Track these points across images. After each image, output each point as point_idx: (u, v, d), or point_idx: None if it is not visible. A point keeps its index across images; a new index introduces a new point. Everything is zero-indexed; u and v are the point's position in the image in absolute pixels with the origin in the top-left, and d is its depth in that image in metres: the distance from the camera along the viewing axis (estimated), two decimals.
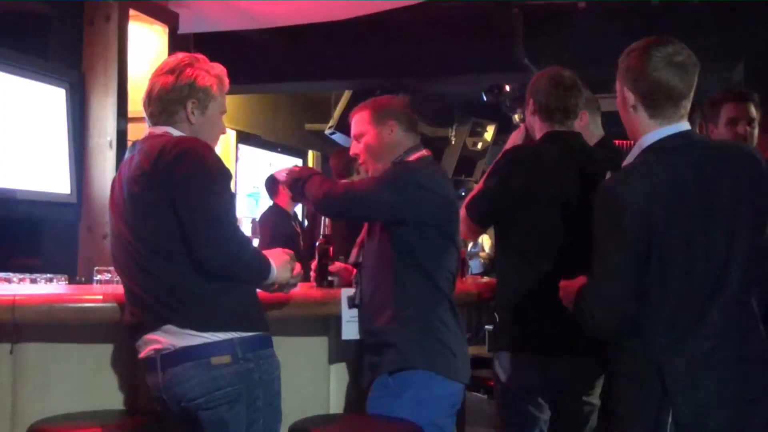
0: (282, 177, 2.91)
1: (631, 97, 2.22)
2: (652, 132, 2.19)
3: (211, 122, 2.45)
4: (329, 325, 2.98)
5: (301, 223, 6.54)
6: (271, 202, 6.29)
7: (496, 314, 2.99)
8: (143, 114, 2.46)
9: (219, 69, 2.48)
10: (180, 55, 2.47)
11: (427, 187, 2.71)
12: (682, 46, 2.19)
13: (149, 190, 2.28)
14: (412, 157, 2.82)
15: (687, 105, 2.21)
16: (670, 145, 2.18)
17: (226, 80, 2.49)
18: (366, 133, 2.86)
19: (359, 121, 2.89)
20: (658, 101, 2.18)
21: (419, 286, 2.70)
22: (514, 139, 3.24)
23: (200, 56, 2.47)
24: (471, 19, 6.36)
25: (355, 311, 2.84)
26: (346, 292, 2.86)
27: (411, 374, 2.67)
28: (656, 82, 2.17)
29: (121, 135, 4.89)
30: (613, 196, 2.15)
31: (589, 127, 3.27)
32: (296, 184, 2.83)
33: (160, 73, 2.43)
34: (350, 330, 2.85)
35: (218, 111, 2.47)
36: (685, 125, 2.20)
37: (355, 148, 2.91)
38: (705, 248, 2.13)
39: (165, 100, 2.40)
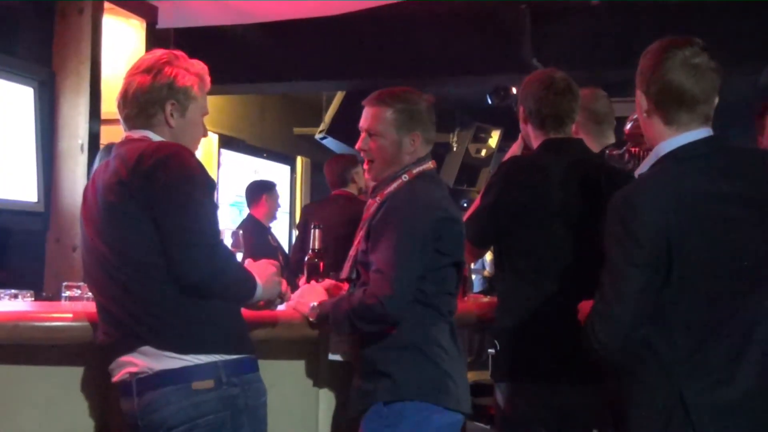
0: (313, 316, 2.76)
1: (644, 101, 2.23)
2: (670, 139, 2.19)
3: (191, 125, 2.47)
4: (318, 347, 2.98)
5: (280, 240, 6.54)
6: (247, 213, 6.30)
7: (496, 341, 3.00)
8: (118, 116, 2.47)
9: (200, 67, 2.49)
10: (158, 52, 2.48)
11: (442, 218, 2.69)
12: (702, 48, 2.19)
13: (127, 199, 2.28)
14: (416, 171, 2.78)
15: (707, 111, 2.20)
16: (689, 153, 2.17)
17: (208, 79, 2.51)
18: (385, 136, 2.78)
19: (379, 117, 2.79)
20: (669, 105, 2.19)
21: (416, 307, 2.68)
22: (514, 150, 3.25)
23: (180, 53, 2.48)
24: (475, 16, 6.38)
25: None
26: None
27: (408, 405, 2.66)
28: (667, 84, 2.17)
29: (94, 138, 4.90)
30: (628, 207, 2.14)
31: (582, 136, 3.27)
32: (338, 322, 2.68)
33: (136, 71, 2.44)
34: (338, 349, 2.85)
35: (199, 113, 2.49)
36: (705, 132, 2.20)
37: (365, 143, 2.82)
38: (731, 266, 2.12)
39: (141, 101, 2.41)
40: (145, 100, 2.41)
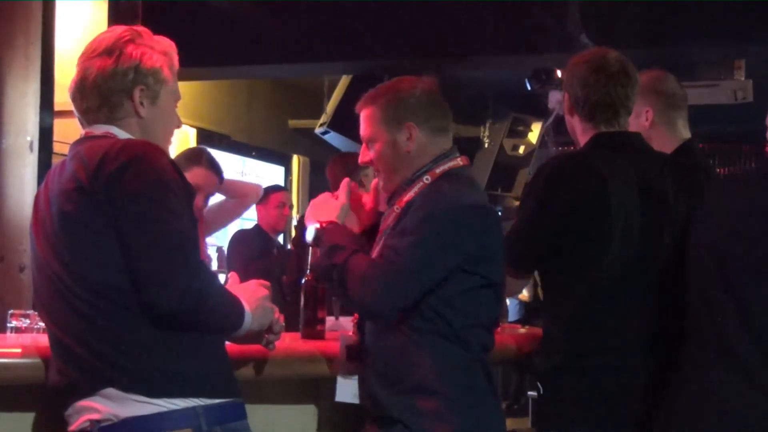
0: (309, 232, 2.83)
1: None
2: None
3: (164, 114, 2.50)
4: (318, 389, 2.99)
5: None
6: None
7: (539, 383, 2.99)
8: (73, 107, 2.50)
9: (166, 44, 2.52)
10: (117, 30, 2.50)
11: (473, 226, 2.70)
12: None
13: (87, 209, 2.30)
14: (439, 170, 2.78)
15: None
16: None
17: (176, 58, 2.53)
18: (377, 139, 2.82)
19: (368, 119, 2.84)
20: None
21: (442, 341, 2.70)
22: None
23: (142, 29, 2.51)
24: None
25: (354, 365, 2.85)
26: (345, 340, 2.88)
27: None
28: None
29: (45, 133, 4.92)
30: None
31: (658, 129, 3.26)
32: (329, 266, 2.72)
33: (92, 54, 2.46)
34: (346, 389, 2.86)
35: (172, 99, 2.52)
36: None
37: (365, 155, 2.87)
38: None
39: (105, 91, 2.43)
40: (109, 88, 2.43)
